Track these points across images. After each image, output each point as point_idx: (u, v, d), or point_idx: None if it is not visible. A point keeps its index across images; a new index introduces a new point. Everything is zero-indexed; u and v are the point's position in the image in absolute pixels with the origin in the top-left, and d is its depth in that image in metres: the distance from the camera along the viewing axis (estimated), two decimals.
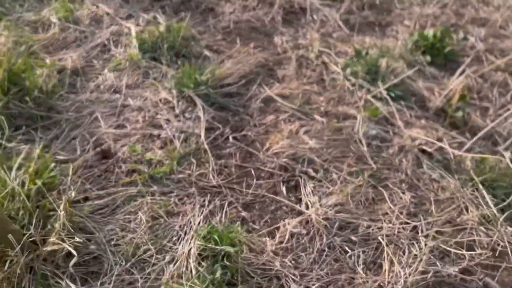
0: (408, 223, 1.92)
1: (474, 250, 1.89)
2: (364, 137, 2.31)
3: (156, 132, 2.11)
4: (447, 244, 1.86)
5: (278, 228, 1.83)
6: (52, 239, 1.56)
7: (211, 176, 1.96)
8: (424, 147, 2.31)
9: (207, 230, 1.70)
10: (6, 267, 1.47)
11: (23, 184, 1.71)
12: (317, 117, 2.38)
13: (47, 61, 2.37)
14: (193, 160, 2.00)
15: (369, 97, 2.54)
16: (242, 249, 1.68)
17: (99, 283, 1.54)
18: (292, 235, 1.80)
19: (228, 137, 2.16)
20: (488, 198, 2.10)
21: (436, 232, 1.92)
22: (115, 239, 1.68)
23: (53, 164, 1.81)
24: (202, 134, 2.11)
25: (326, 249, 1.78)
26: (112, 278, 1.56)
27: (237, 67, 2.56)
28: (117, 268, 1.60)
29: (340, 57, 2.89)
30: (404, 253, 1.81)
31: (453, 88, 2.73)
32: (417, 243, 1.85)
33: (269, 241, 1.76)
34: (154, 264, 1.64)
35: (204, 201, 1.87)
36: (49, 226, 1.62)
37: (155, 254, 1.66)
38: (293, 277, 1.65)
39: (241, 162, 2.07)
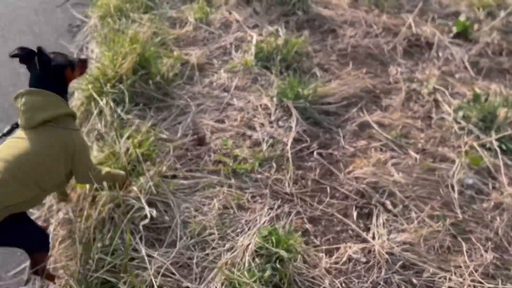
0: (481, 283, 1.77)
1: None
2: (458, 184, 2.17)
3: (249, 132, 2.27)
4: None
5: (338, 249, 1.83)
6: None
7: (286, 183, 2.04)
8: None
9: (268, 231, 1.78)
10: (96, 208, 1.74)
11: (127, 150, 1.99)
12: (411, 152, 2.31)
13: (175, 53, 2.69)
14: (274, 165, 2.11)
15: (475, 144, 2.38)
16: (296, 258, 1.73)
17: (162, 252, 1.72)
18: (350, 259, 1.79)
19: (313, 152, 2.22)
20: None
21: None
22: (187, 217, 1.86)
23: (152, 139, 2.07)
24: (289, 143, 2.20)
25: (382, 283, 1.73)
26: (175, 249, 1.73)
27: (342, 89, 2.61)
28: (181, 242, 1.77)
29: (456, 99, 2.74)
30: None
31: None
32: None
33: (325, 258, 1.78)
34: (214, 248, 1.77)
35: (274, 204, 1.95)
36: (138, 184, 1.87)
37: (217, 239, 1.80)
38: None
39: (319, 178, 2.11)
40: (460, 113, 2.58)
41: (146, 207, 1.77)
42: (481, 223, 2.03)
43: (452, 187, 2.16)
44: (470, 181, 2.21)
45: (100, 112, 2.25)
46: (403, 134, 2.41)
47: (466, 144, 2.39)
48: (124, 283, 1.54)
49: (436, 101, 2.72)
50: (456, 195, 2.12)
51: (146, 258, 1.67)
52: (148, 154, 2.02)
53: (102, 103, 2.22)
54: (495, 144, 2.40)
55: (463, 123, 2.53)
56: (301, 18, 3.19)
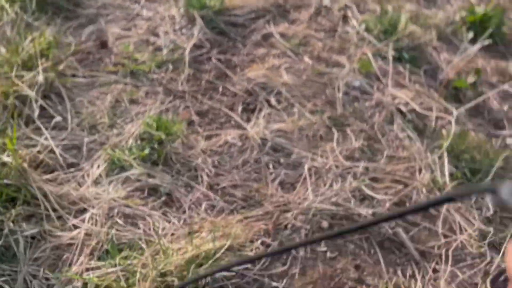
0: (342, 163, 1.99)
1: (404, 205, 1.91)
2: (345, 86, 2.36)
3: (152, 39, 2.40)
4: (374, 190, 1.91)
5: (218, 135, 2.03)
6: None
7: (180, 82, 2.21)
8: (402, 107, 2.30)
9: (153, 119, 1.96)
10: None
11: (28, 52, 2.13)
12: (306, 59, 2.47)
13: None
14: (171, 67, 2.26)
15: (368, 52, 2.55)
16: (175, 140, 1.92)
17: (52, 133, 1.91)
18: (226, 142, 1.99)
19: (211, 57, 2.37)
20: (447, 167, 2.07)
21: (372, 178, 1.96)
22: (80, 108, 2.03)
23: (53, 39, 2.20)
24: (188, 48, 2.35)
25: (252, 161, 1.94)
26: (67, 132, 1.92)
27: (251, 2, 2.73)
28: (72, 128, 1.95)
29: (365, 14, 2.88)
30: (324, 185, 1.90)
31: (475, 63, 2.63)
32: (342, 181, 1.93)
33: (204, 142, 1.98)
34: (103, 134, 1.96)
35: (165, 99, 2.13)
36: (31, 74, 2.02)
37: (106, 127, 1.98)
38: (208, 172, 1.86)
39: (213, 79, 2.28)
40: (363, 26, 2.73)
41: (39, 100, 1.94)
42: (359, 118, 2.24)
43: (338, 88, 2.34)
44: (357, 83, 2.40)
45: (11, 21, 2.36)
46: (303, 43, 2.57)
47: (361, 52, 2.56)
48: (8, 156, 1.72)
49: (345, 16, 2.86)
50: (340, 95, 2.31)
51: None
52: (47, 54, 2.16)
53: (9, 10, 2.32)
54: (390, 53, 2.57)
55: (365, 35, 2.68)
56: None
